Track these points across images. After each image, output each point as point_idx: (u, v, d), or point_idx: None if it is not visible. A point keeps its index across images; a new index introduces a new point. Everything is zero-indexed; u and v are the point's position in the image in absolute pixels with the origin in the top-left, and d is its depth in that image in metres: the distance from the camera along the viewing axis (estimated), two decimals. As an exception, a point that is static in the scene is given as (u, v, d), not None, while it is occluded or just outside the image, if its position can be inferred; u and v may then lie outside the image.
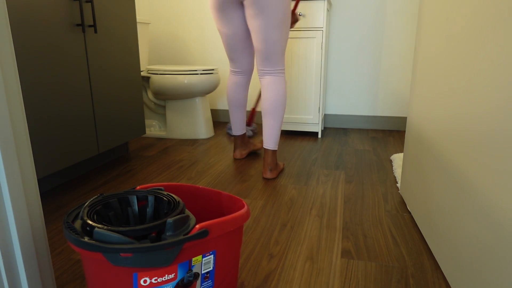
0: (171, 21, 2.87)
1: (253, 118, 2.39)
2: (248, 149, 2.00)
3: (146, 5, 2.89)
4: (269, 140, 1.67)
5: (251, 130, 2.44)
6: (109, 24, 1.69)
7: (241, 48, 1.71)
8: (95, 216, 0.68)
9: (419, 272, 0.98)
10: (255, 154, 2.06)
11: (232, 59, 1.77)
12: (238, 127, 1.90)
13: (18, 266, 0.67)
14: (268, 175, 1.68)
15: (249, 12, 1.53)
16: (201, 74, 2.24)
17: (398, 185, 1.55)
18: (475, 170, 0.76)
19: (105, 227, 0.61)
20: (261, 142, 1.99)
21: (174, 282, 0.65)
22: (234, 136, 1.94)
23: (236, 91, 1.82)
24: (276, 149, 1.69)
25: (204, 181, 1.64)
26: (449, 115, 0.93)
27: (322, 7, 2.20)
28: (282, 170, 1.80)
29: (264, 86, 1.63)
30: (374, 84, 2.61)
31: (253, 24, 1.54)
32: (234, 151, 1.96)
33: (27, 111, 1.29)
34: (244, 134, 1.94)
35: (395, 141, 2.34)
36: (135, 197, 0.76)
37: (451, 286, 0.89)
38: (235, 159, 1.95)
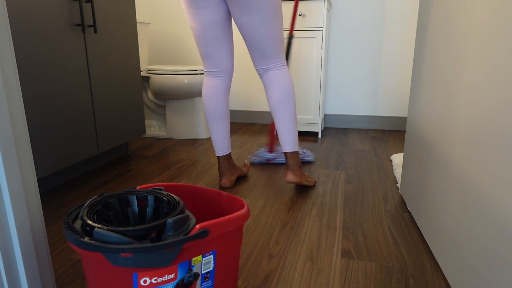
0: (171, 21, 2.87)
1: None
2: (237, 173, 1.63)
3: (146, 5, 2.88)
4: (285, 141, 1.44)
5: None
6: (109, 24, 1.69)
7: (219, 40, 1.41)
8: (95, 216, 0.68)
9: (419, 272, 0.98)
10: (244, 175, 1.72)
11: (206, 55, 1.44)
12: (222, 144, 1.53)
13: (18, 266, 0.67)
14: (290, 177, 1.44)
15: (232, 9, 1.31)
16: (201, 74, 2.24)
17: (398, 185, 1.55)
18: (475, 170, 0.76)
19: (105, 227, 0.61)
20: (245, 165, 1.72)
21: (174, 282, 0.65)
22: (218, 157, 1.56)
23: (215, 97, 1.48)
24: (296, 150, 1.45)
25: (204, 181, 1.64)
26: (449, 115, 0.93)
27: (322, 7, 2.20)
28: (312, 186, 1.58)
29: (268, 82, 1.42)
30: (374, 84, 2.61)
31: (240, 20, 1.32)
32: (221, 178, 1.56)
33: (27, 111, 1.29)
34: (230, 154, 1.57)
35: (395, 141, 2.34)
36: (135, 197, 0.76)
37: (451, 286, 0.89)
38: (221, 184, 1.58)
